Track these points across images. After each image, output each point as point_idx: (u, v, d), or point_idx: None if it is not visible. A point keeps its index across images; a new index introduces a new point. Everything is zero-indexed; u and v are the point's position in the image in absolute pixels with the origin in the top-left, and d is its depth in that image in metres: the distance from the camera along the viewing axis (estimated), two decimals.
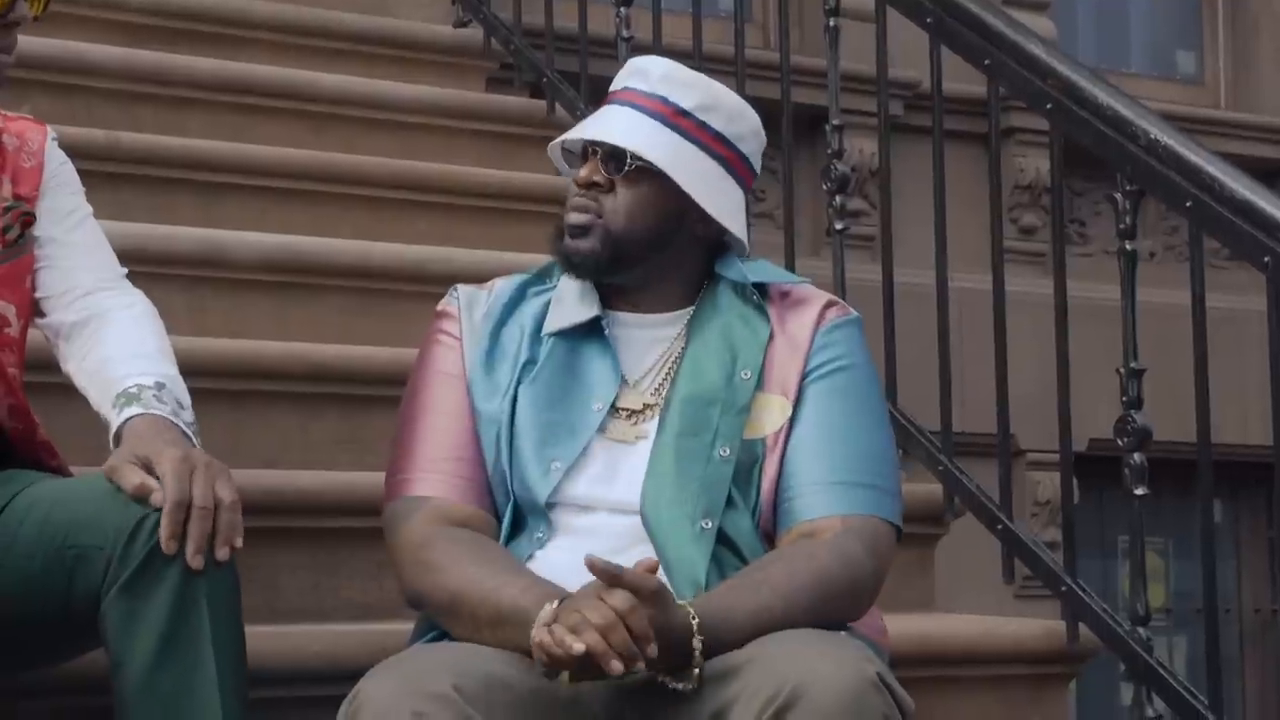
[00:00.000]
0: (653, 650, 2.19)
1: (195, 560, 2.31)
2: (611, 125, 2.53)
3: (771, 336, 2.52)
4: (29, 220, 2.63)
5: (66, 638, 2.47)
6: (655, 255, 2.54)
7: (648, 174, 2.51)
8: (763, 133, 2.63)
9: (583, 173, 2.53)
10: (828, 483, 2.44)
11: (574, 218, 2.53)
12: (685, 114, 2.54)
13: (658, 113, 2.53)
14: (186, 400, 2.54)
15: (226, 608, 2.36)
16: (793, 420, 2.48)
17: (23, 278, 2.63)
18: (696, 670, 2.24)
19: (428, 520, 2.44)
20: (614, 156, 2.52)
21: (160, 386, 2.50)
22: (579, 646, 2.16)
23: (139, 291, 2.70)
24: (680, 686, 2.25)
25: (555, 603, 2.24)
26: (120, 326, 2.60)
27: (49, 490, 2.45)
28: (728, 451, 2.45)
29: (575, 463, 2.46)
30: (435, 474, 2.47)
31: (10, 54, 2.63)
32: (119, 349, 2.56)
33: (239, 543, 2.36)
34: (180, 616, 2.32)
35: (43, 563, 2.37)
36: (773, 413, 2.48)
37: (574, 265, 2.54)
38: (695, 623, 2.24)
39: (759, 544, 2.44)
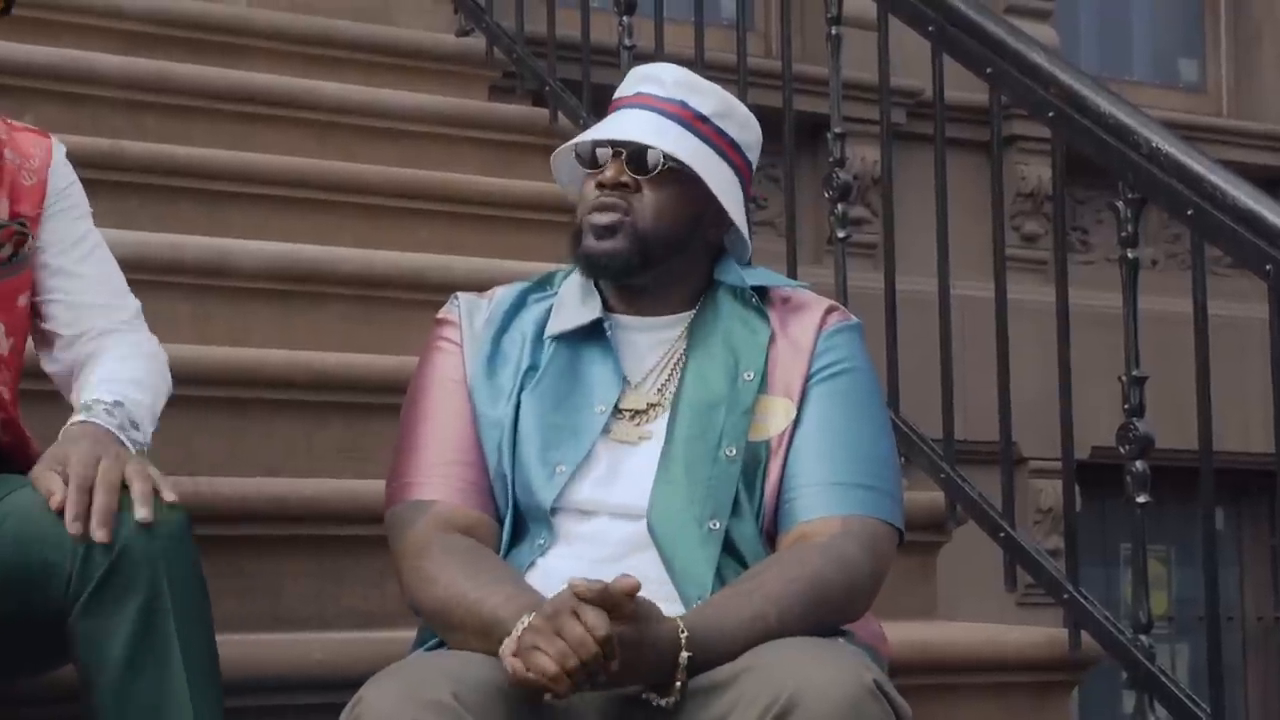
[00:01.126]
0: (614, 666, 2.17)
1: (99, 533, 2.28)
2: (638, 127, 2.52)
3: (773, 339, 2.52)
4: (23, 240, 2.61)
5: (47, 649, 2.46)
6: (673, 257, 2.54)
7: (674, 175, 2.51)
8: (761, 140, 2.64)
9: (609, 173, 2.51)
10: (827, 484, 2.44)
11: (600, 218, 2.50)
12: (704, 119, 2.55)
13: (679, 116, 2.54)
14: (144, 424, 2.53)
15: (195, 614, 2.35)
16: (796, 422, 2.48)
17: (15, 296, 2.61)
18: (678, 684, 2.23)
19: (430, 526, 2.44)
20: (641, 158, 2.51)
21: (116, 405, 2.49)
22: (561, 689, 2.15)
23: (145, 330, 2.69)
24: (662, 702, 2.24)
25: (527, 619, 2.23)
26: (110, 357, 2.59)
27: (22, 501, 2.42)
28: (734, 451, 2.45)
29: (579, 465, 2.46)
30: (438, 478, 2.47)
31: None
32: (98, 375, 2.55)
33: (169, 496, 2.34)
34: (147, 627, 2.31)
35: (16, 575, 2.36)
36: (777, 415, 2.49)
37: (600, 267, 2.51)
38: (684, 637, 2.23)
39: (761, 548, 2.44)
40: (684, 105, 2.54)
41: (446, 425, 2.51)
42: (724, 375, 2.49)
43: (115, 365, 2.58)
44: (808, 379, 2.50)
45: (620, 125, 2.54)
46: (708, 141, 2.54)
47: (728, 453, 2.45)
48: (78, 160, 2.78)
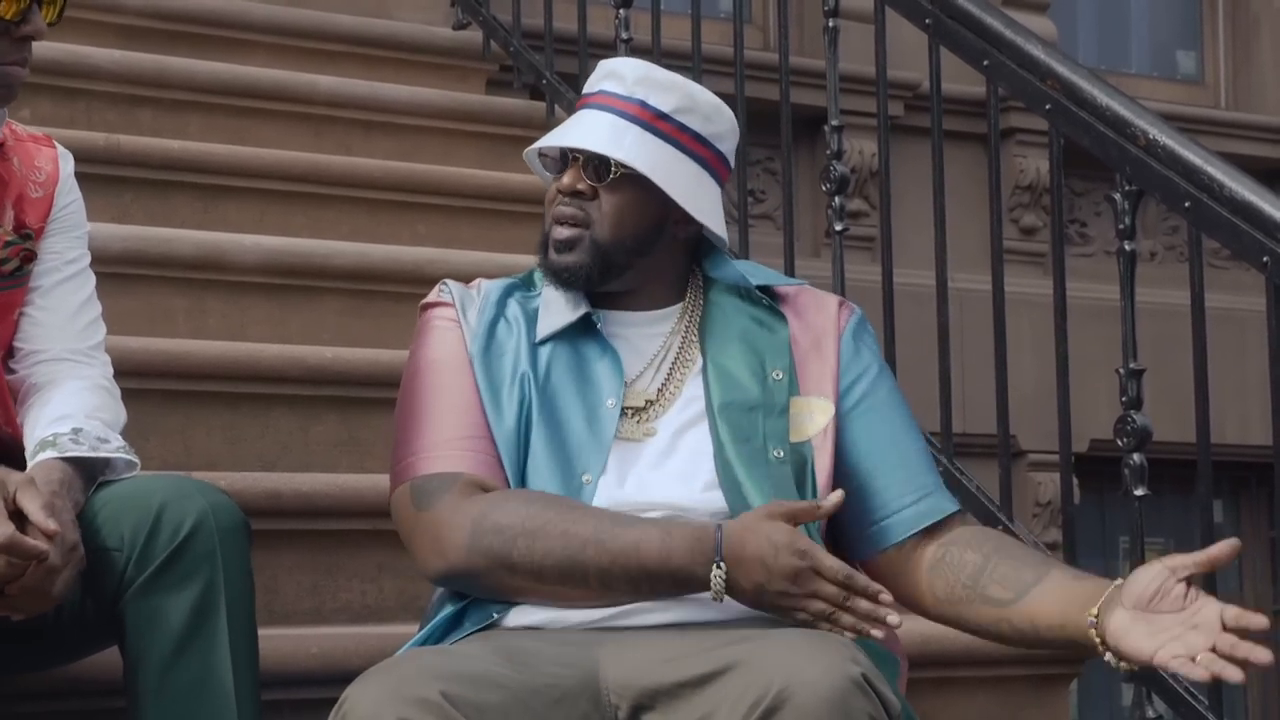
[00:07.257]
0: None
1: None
2: (592, 132, 2.50)
3: (792, 337, 2.52)
4: (30, 256, 2.60)
5: (84, 636, 2.48)
6: (640, 260, 2.52)
7: (631, 179, 2.49)
8: (738, 128, 2.61)
9: (565, 180, 2.51)
10: (919, 494, 2.51)
11: (560, 232, 2.50)
12: (664, 117, 2.52)
13: (637, 117, 2.51)
14: (111, 436, 2.51)
15: (242, 609, 2.39)
16: (846, 428, 2.49)
17: (12, 310, 2.60)
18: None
19: (467, 490, 2.37)
20: (597, 163, 2.49)
21: (76, 431, 2.47)
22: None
23: (103, 363, 2.65)
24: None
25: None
26: (62, 392, 2.55)
27: None
28: (781, 454, 2.44)
29: (604, 469, 2.42)
30: (458, 450, 2.42)
31: (25, 68, 2.57)
32: (52, 410, 2.52)
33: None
34: (199, 616, 2.35)
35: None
36: (815, 414, 2.48)
37: (563, 280, 2.51)
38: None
39: (820, 541, 2.42)
40: (643, 105, 2.51)
41: (458, 401, 2.45)
42: (751, 376, 2.48)
43: (68, 399, 2.54)
44: (840, 379, 2.51)
45: (578, 130, 2.51)
46: (668, 140, 2.51)
47: (776, 454, 2.44)
48: (74, 155, 2.76)
